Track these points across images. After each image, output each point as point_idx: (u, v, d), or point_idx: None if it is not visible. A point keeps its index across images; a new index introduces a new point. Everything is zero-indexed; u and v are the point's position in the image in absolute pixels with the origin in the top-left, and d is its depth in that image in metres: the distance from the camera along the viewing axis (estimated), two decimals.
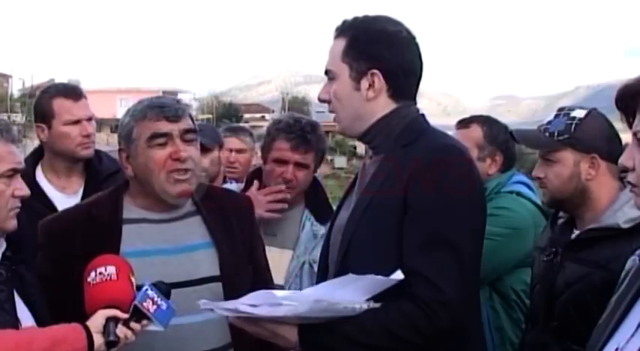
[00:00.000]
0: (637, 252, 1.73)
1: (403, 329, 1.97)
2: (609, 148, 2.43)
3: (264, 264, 2.70)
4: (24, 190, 2.12)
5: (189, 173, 2.38)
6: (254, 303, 1.96)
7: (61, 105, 3.36)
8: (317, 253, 3.08)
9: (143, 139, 2.36)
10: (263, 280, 2.62)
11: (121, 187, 2.53)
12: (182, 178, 2.37)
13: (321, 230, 3.14)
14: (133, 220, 2.43)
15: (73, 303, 2.13)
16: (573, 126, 2.47)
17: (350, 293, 1.95)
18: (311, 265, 3.11)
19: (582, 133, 2.45)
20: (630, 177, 1.61)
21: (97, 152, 3.51)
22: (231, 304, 2.00)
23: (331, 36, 2.27)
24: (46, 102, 3.40)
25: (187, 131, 2.40)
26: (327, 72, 2.25)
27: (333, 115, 2.29)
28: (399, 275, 1.96)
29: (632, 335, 1.57)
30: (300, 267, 3.09)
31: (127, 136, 2.40)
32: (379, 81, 2.17)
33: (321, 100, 2.27)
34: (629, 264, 1.75)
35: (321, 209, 3.22)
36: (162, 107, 2.38)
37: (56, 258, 2.36)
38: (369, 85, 2.18)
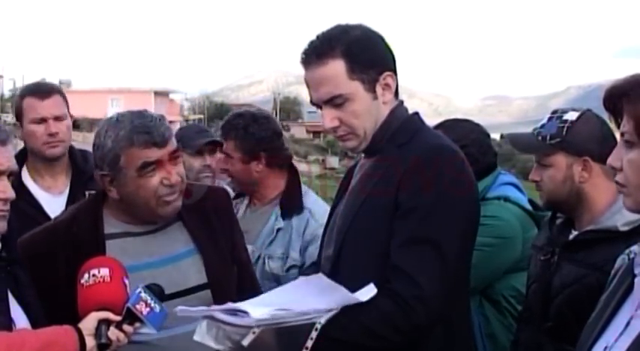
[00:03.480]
0: (626, 251, 1.74)
1: (380, 326, 1.98)
2: (601, 150, 2.42)
3: (245, 259, 2.70)
4: (7, 193, 2.04)
5: (177, 193, 2.37)
6: (226, 308, 1.96)
7: (28, 103, 3.33)
8: (273, 249, 3.13)
9: (133, 168, 2.30)
10: (248, 276, 2.64)
11: (98, 198, 2.48)
12: (172, 199, 2.36)
13: (279, 224, 3.18)
14: (115, 234, 2.41)
15: (58, 315, 2.10)
16: (565, 129, 2.46)
17: (316, 302, 1.95)
18: (264, 262, 3.14)
19: (574, 136, 2.44)
20: (618, 177, 1.61)
21: (83, 152, 3.47)
22: (207, 311, 1.99)
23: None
24: (18, 101, 3.41)
25: (174, 152, 2.37)
26: (331, 99, 2.15)
27: None
28: (371, 290, 1.95)
29: (621, 333, 1.58)
30: (255, 261, 3.09)
31: (112, 163, 2.32)
32: (393, 79, 2.18)
33: (330, 129, 2.18)
34: (618, 262, 1.76)
35: (287, 205, 3.23)
36: (150, 133, 2.30)
37: (38, 277, 2.24)
38: (383, 89, 2.17)
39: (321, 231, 2.94)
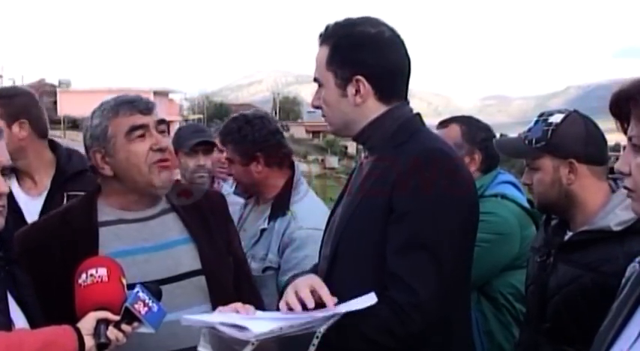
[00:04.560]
0: (637, 259, 1.71)
1: (376, 332, 1.99)
2: (587, 151, 2.42)
3: (241, 256, 2.73)
4: (1, 187, 2.04)
5: (169, 162, 2.42)
6: (227, 322, 1.96)
7: None
8: (257, 250, 3.15)
9: (121, 135, 2.37)
10: (244, 272, 2.67)
11: (94, 190, 2.52)
12: (165, 165, 2.40)
13: (263, 225, 3.21)
14: (109, 222, 2.43)
15: (56, 310, 2.11)
16: (549, 132, 2.45)
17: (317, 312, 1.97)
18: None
19: (558, 138, 2.44)
20: (627, 182, 1.59)
21: (68, 150, 3.41)
22: (209, 323, 1.99)
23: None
24: None
25: (160, 122, 2.44)
26: (315, 79, 2.26)
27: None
28: (372, 299, 1.95)
29: (635, 341, 1.56)
30: None
31: (101, 135, 2.40)
32: (364, 86, 2.17)
33: (313, 107, 2.29)
34: (629, 271, 1.73)
35: (275, 206, 3.25)
36: (133, 102, 2.41)
37: (35, 271, 2.28)
38: (356, 91, 2.18)
39: (299, 234, 3.04)
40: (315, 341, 1.91)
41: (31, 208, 3.12)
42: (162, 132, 2.43)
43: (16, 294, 2.10)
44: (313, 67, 2.27)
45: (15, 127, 3.21)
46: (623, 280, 1.74)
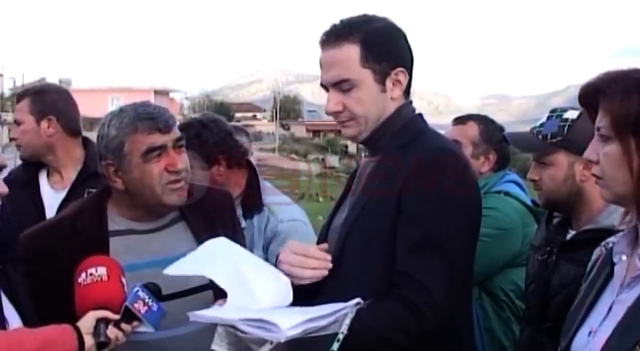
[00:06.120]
0: (602, 243, 1.82)
1: (391, 331, 1.99)
2: None
3: None
4: None
5: (183, 182, 2.38)
6: (253, 319, 1.91)
7: None
8: None
9: (137, 154, 2.32)
10: None
11: (103, 194, 2.49)
12: (177, 187, 2.37)
13: (242, 224, 3.19)
14: (119, 231, 2.41)
15: (58, 310, 2.11)
16: (566, 128, 2.46)
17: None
18: None
19: (575, 134, 2.44)
20: (595, 169, 1.69)
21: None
22: (229, 321, 1.94)
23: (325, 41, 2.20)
24: None
25: (178, 140, 2.39)
26: (339, 82, 2.15)
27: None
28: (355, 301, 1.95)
29: (604, 318, 1.64)
30: None
31: (116, 150, 2.34)
32: (405, 77, 2.17)
33: (332, 113, 2.18)
34: (596, 253, 1.83)
35: (248, 204, 3.27)
36: (154, 119, 2.33)
37: (40, 275, 2.27)
38: (393, 84, 2.16)
39: (281, 227, 3.10)
40: (336, 345, 1.89)
41: (53, 201, 3.19)
42: (180, 147, 2.39)
43: (10, 293, 2.08)
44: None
45: (43, 124, 3.33)
46: (590, 263, 1.83)
